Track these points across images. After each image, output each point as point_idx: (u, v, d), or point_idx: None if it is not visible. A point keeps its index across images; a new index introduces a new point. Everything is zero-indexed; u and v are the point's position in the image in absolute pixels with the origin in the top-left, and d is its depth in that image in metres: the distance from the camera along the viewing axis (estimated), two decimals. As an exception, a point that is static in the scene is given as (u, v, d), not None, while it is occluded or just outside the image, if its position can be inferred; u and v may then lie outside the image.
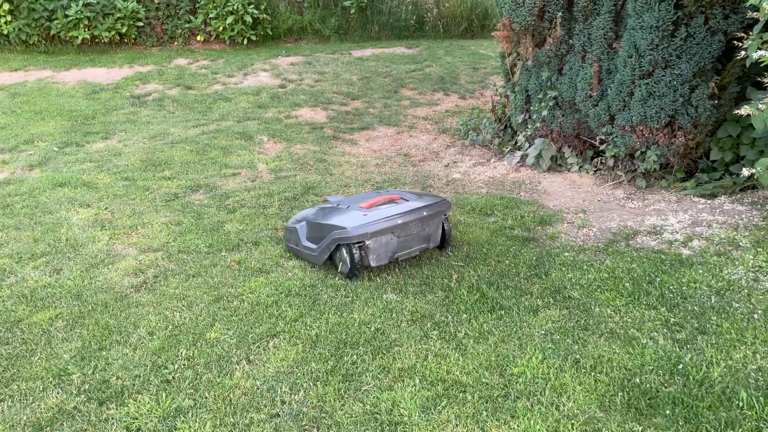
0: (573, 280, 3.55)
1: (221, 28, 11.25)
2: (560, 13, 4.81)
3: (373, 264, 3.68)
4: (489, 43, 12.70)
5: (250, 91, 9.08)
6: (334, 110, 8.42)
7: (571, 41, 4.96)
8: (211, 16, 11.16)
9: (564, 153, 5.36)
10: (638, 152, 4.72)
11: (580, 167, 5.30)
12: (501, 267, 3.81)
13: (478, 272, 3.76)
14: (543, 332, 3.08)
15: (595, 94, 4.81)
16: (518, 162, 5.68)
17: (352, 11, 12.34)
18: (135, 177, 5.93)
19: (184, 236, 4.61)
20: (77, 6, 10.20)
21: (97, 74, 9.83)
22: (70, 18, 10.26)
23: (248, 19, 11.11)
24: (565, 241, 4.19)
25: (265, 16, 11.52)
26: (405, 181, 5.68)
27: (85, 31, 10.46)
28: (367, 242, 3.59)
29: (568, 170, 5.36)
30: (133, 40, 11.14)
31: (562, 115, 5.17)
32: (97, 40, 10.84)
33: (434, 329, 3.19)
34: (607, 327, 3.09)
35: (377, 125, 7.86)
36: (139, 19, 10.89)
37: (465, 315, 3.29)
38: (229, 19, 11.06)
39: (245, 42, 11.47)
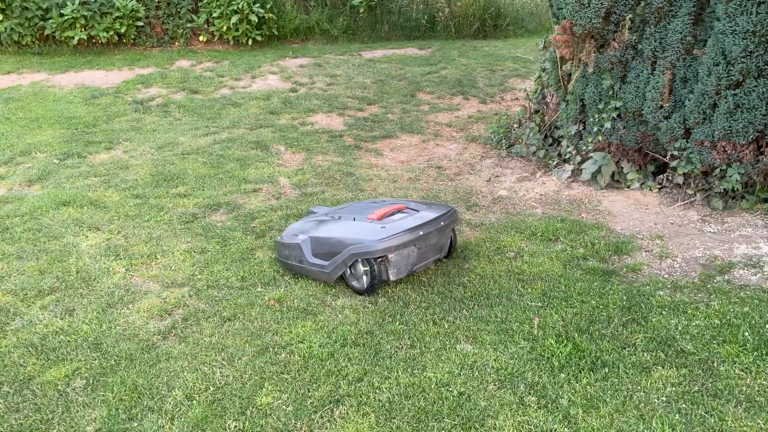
0: (680, 328, 3.06)
1: (225, 28, 10.68)
2: (630, 15, 4.32)
3: (392, 278, 3.53)
4: (503, 44, 12.24)
5: (260, 96, 8.54)
6: (351, 116, 7.90)
7: (639, 46, 4.47)
8: (214, 15, 10.59)
9: (622, 168, 4.88)
10: (717, 170, 4.24)
11: (642, 184, 4.83)
12: (587, 309, 3.32)
13: (562, 315, 3.26)
14: (664, 399, 2.60)
15: (667, 104, 4.34)
16: (569, 177, 5.20)
17: (361, 10, 11.81)
18: (146, 194, 5.39)
19: (210, 267, 4.08)
20: (73, 4, 9.60)
21: (95, 77, 9.24)
22: (66, 17, 9.65)
23: (253, 18, 10.55)
24: (649, 274, 3.71)
25: (270, 15, 10.96)
26: (446, 198, 5.18)
27: (81, 31, 9.86)
28: (390, 256, 3.41)
29: (628, 187, 4.88)
30: (132, 41, 10.54)
31: (624, 127, 4.69)
32: (94, 41, 10.24)
33: (530, 393, 2.69)
34: (742, 393, 2.61)
35: (400, 133, 7.36)
36: (139, 19, 10.30)
37: (562, 374, 2.79)
38: (234, 19, 10.50)
39: (250, 42, 10.91)
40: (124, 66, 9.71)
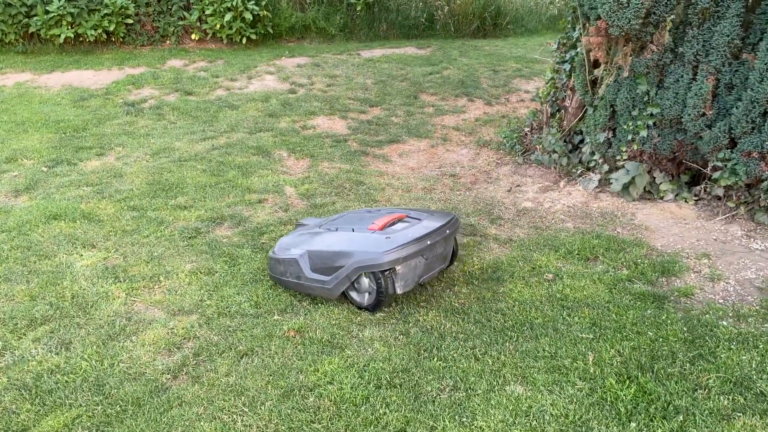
0: (754, 366, 2.77)
1: (218, 26, 10.27)
2: (671, 16, 4.02)
3: (399, 291, 3.34)
4: (504, 43, 11.95)
5: (257, 97, 8.16)
6: (354, 119, 7.56)
7: (679, 49, 4.18)
8: (207, 12, 10.17)
9: (654, 178, 4.59)
10: (765, 182, 3.96)
11: (677, 195, 4.54)
12: (645, 342, 3.01)
13: (619, 350, 2.96)
14: (754, 455, 2.30)
15: (710, 112, 4.05)
16: (596, 187, 4.90)
17: (359, 8, 11.45)
18: (144, 205, 5.01)
19: (220, 291, 3.73)
20: (59, 1, 9.13)
21: (83, 77, 8.80)
22: (52, 14, 9.19)
23: (248, 16, 10.15)
24: (704, 299, 3.42)
25: (265, 13, 10.56)
26: (467, 211, 4.86)
27: (68, 29, 9.40)
28: (397, 268, 3.25)
29: (661, 198, 4.59)
30: (121, 39, 10.10)
31: (659, 135, 4.40)
32: (81, 39, 9.79)
33: (600, 447, 2.38)
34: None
35: (406, 137, 7.03)
36: (128, 16, 9.86)
37: (632, 423, 2.49)
38: (228, 16, 10.09)
39: (244, 41, 10.51)
40: (113, 66, 9.28)
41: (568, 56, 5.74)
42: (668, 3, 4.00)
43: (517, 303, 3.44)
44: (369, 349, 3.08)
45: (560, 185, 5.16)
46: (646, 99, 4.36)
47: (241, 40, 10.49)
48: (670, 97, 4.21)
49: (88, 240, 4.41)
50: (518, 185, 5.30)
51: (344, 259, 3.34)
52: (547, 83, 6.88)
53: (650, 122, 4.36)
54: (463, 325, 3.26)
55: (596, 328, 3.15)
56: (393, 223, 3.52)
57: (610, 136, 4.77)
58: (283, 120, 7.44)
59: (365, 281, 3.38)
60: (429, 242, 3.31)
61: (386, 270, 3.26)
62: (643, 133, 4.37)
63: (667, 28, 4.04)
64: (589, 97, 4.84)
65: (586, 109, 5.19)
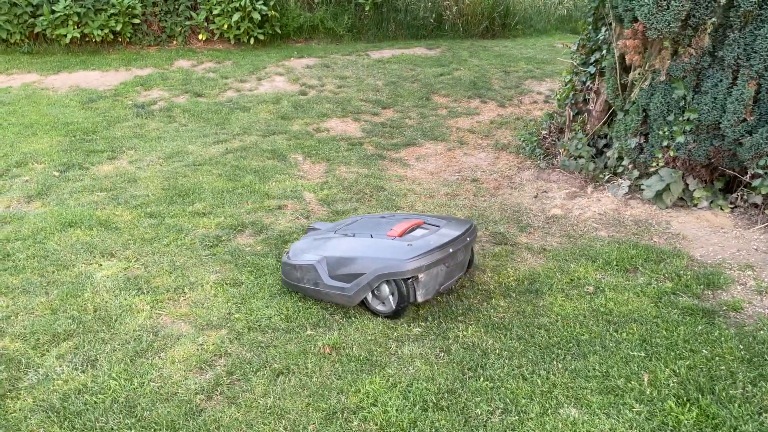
0: (821, 388, 2.65)
1: (226, 26, 10.13)
2: (712, 19, 3.90)
3: (420, 299, 3.29)
4: (513, 44, 11.83)
5: (268, 99, 8.03)
6: (367, 121, 7.43)
7: (718, 53, 4.06)
8: (214, 12, 10.03)
9: (687, 185, 4.47)
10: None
11: (711, 203, 4.42)
12: (701, 361, 2.89)
13: (674, 369, 2.83)
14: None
15: (751, 118, 3.93)
16: (626, 194, 4.78)
17: (367, 8, 11.32)
18: (161, 212, 4.87)
19: (248, 303, 3.60)
20: (66, 1, 8.98)
21: (90, 78, 8.65)
22: (58, 14, 9.04)
23: (256, 16, 10.01)
24: (755, 314, 3.30)
25: (273, 13, 10.42)
26: (494, 218, 4.73)
27: (74, 29, 9.25)
28: (420, 276, 3.21)
29: (695, 206, 4.47)
30: (127, 39, 9.95)
31: (694, 141, 4.28)
32: (87, 39, 9.64)
33: (667, 477, 2.26)
34: None
35: (422, 140, 6.91)
36: (135, 16, 9.71)
37: (700, 450, 2.36)
38: (235, 16, 9.94)
39: (251, 41, 10.37)
40: (120, 66, 9.13)
41: (592, 58, 5.62)
42: (709, 5, 3.88)
43: (559, 318, 3.32)
44: (410, 368, 2.96)
45: (587, 191, 5.04)
46: (682, 104, 4.24)
47: (248, 40, 10.35)
48: (707, 102, 4.09)
49: (107, 249, 4.28)
50: (544, 191, 5.18)
51: (365, 266, 3.27)
52: (565, 85, 6.76)
53: (687, 128, 4.23)
54: (505, 341, 3.14)
55: (647, 345, 3.02)
56: (412, 230, 3.47)
57: (641, 141, 4.65)
58: (295, 122, 7.31)
59: (386, 289, 3.31)
60: (451, 250, 3.26)
61: (409, 278, 3.21)
62: (680, 138, 4.25)
63: (707, 31, 3.92)
64: (620, 101, 4.72)
65: (615, 113, 5.08)
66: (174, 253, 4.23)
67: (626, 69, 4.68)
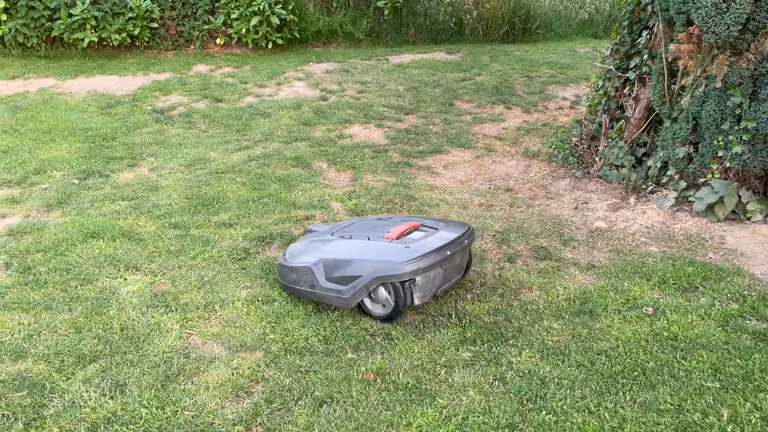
0: None
1: (244, 30, 9.97)
2: (775, 23, 3.68)
3: (417, 302, 3.29)
4: (534, 49, 11.62)
5: (289, 105, 7.85)
6: (391, 128, 7.23)
7: (779, 59, 3.83)
8: (233, 16, 9.88)
9: (740, 197, 4.23)
10: None
11: (766, 216, 4.18)
12: (783, 393, 2.66)
13: (755, 403, 2.61)
14: None
15: (814, 128, 3.70)
16: (672, 206, 4.55)
17: (386, 12, 11.14)
18: (186, 222, 4.69)
19: (282, 323, 3.39)
20: (83, 4, 8.85)
21: (108, 83, 8.51)
22: (75, 18, 8.91)
23: (275, 20, 9.84)
24: (832, 340, 3.06)
25: (292, 17, 10.26)
26: (534, 231, 4.51)
27: (91, 33, 9.12)
28: (417, 278, 3.19)
29: (748, 219, 4.24)
30: (145, 44, 9.81)
31: (750, 151, 4.05)
32: (104, 44, 9.50)
33: None
34: None
35: (448, 148, 6.70)
36: (153, 20, 9.57)
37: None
38: (254, 21, 9.78)
39: (269, 46, 10.21)
40: (138, 71, 8.99)
41: (632, 63, 5.40)
42: (772, 8, 3.66)
43: (620, 342, 3.09)
44: (463, 398, 2.74)
45: (630, 202, 4.81)
46: (738, 112, 4.01)
47: (266, 44, 10.19)
48: (767, 110, 3.86)
49: (131, 262, 4.09)
50: (584, 202, 4.95)
51: (362, 268, 3.26)
52: (597, 91, 6.54)
53: (744, 137, 4.00)
54: (564, 368, 2.92)
55: (720, 375, 2.79)
56: (409, 232, 3.45)
57: (690, 150, 4.42)
58: (317, 129, 7.12)
59: (383, 291, 3.29)
60: (449, 252, 3.25)
61: (406, 280, 3.19)
62: (737, 148, 4.02)
63: (769, 35, 3.70)
64: (667, 108, 4.49)
65: (654, 121, 4.86)
66: (201, 266, 4.04)
67: (672, 74, 4.46)
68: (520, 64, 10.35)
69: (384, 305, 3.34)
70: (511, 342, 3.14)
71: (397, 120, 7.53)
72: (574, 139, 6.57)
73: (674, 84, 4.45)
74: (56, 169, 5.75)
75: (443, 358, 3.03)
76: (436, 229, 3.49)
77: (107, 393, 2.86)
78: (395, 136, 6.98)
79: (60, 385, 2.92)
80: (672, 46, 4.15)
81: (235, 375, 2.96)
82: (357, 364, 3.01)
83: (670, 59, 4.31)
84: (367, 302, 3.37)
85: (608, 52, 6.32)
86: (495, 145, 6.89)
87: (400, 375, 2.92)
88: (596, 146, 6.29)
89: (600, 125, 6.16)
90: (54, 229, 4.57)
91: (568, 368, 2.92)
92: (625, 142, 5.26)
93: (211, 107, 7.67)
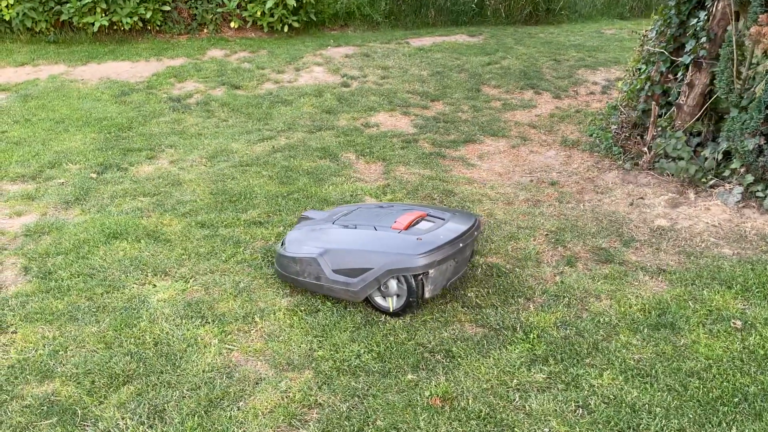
0: None
1: (259, 13, 9.59)
2: None
3: (428, 295, 3.21)
4: (559, 31, 11.21)
5: (309, 92, 7.50)
6: (418, 115, 6.89)
7: None
8: (247, -2, 9.50)
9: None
10: None
11: None
12: None
13: None
14: None
15: None
16: (738, 202, 4.21)
17: (405, -7, 10.72)
18: (213, 221, 4.39)
19: (330, 336, 3.10)
20: (93, -14, 8.48)
21: (120, 69, 8.17)
22: (85, 1, 8.55)
23: (291, 2, 9.44)
24: None
25: (309, -1, 9.86)
26: (590, 230, 4.19)
27: (102, 17, 8.76)
28: (430, 271, 3.12)
29: (825, 218, 3.91)
30: (157, 28, 9.45)
31: (830, 145, 3.71)
32: (115, 28, 9.15)
33: None
34: None
35: (481, 136, 6.36)
36: (165, 3, 9.20)
37: None
38: (269, 3, 9.39)
39: (285, 29, 9.83)
40: (151, 56, 8.64)
41: (687, 47, 5.03)
42: None
43: (711, 362, 2.78)
44: (546, 430, 2.44)
45: (689, 197, 4.47)
46: (821, 102, 3.67)
47: (282, 28, 9.81)
48: None
49: (159, 266, 3.80)
50: (640, 197, 4.62)
51: (372, 260, 3.15)
52: (639, 75, 6.18)
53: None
54: (653, 393, 2.61)
55: None
56: (417, 222, 3.35)
57: (762, 142, 4.08)
58: (341, 117, 6.78)
59: (393, 285, 3.18)
60: (461, 245, 3.20)
61: (419, 274, 3.10)
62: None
63: None
64: (735, 96, 4.14)
65: (714, 109, 4.50)
66: (235, 271, 3.74)
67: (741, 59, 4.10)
68: (546, 47, 9.96)
69: (395, 299, 3.22)
70: (587, 361, 2.84)
71: (423, 107, 7.18)
72: (613, 127, 6.22)
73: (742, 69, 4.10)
74: (72, 162, 5.45)
75: (515, 381, 2.73)
76: (443, 219, 3.39)
77: (145, 421, 2.57)
78: (423, 124, 6.64)
79: (92, 411, 2.64)
80: (753, 29, 3.79)
81: (286, 399, 2.67)
82: (419, 387, 2.72)
83: (739, 43, 3.96)
84: (375, 296, 3.25)
85: (653, 34, 5.94)
86: (530, 133, 6.54)
87: (470, 401, 2.62)
88: (639, 134, 5.94)
89: (644, 112, 5.80)
90: (74, 228, 4.27)
91: (658, 393, 2.61)
92: (674, 131, 4.90)
93: (229, 95, 7.33)
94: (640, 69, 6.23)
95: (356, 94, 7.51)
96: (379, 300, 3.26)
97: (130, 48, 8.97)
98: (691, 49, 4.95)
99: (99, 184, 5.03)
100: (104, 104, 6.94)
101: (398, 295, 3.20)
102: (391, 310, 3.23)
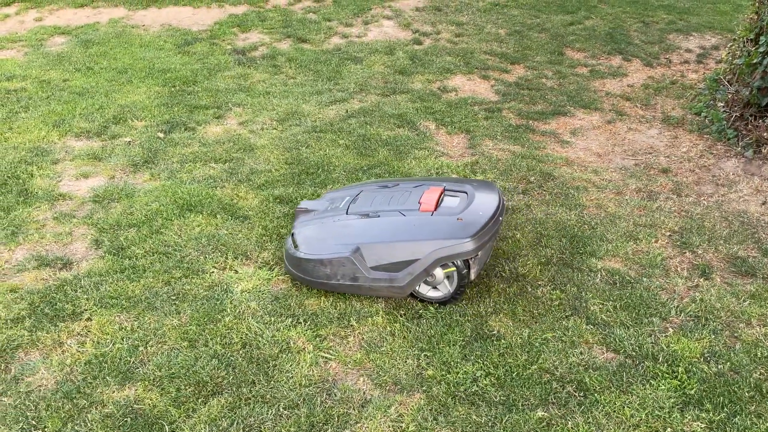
0: None
1: (325, -42, 8.93)
2: None
3: (473, 277, 3.03)
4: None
5: (380, 49, 6.96)
6: (498, 80, 6.32)
7: None
8: (314, -59, 8.83)
9: None
10: None
11: None
12: None
13: None
14: None
15: None
16: None
17: (480, -59, 9.87)
18: (292, 196, 4.02)
19: (439, 351, 2.72)
20: (155, -76, 7.96)
21: (181, 15, 7.74)
22: (146, -61, 8.05)
23: (359, -53, 8.76)
24: None
25: (378, -56, 9.13)
26: (720, 233, 3.68)
27: (163, -43, 8.25)
28: (479, 252, 2.94)
29: None
30: (218, -30, 8.90)
31: None
32: (176, -31, 8.63)
33: None
34: None
35: (571, 108, 5.79)
36: (228, -56, 8.61)
37: None
38: (337, -53, 8.72)
39: (351, -24, 9.16)
40: (212, 2, 8.19)
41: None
42: None
43: None
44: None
45: (833, 200, 3.90)
46: None
47: (348, -25, 9.15)
48: None
49: (239, 247, 3.45)
50: (771, 195, 4.06)
51: (416, 250, 2.90)
52: (759, 47, 5.47)
53: None
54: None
55: None
56: (441, 201, 3.12)
57: None
58: (416, 79, 6.26)
59: (440, 272, 2.99)
60: (500, 219, 3.08)
61: (472, 257, 2.93)
62: None
63: None
64: None
65: None
66: (322, 260, 3.37)
67: None
68: (633, 7, 9.13)
69: (442, 287, 3.03)
70: (751, 408, 2.40)
71: (503, 71, 6.60)
72: (720, 105, 5.58)
73: None
74: (137, 118, 5.11)
75: (668, 429, 2.31)
76: (466, 192, 3.18)
77: (241, 447, 2.26)
78: (506, 91, 6.08)
79: (181, 427, 2.34)
80: None
81: (397, 429, 2.32)
82: (552, 428, 2.33)
83: None
84: (420, 287, 3.03)
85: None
86: (624, 106, 5.94)
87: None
88: (752, 115, 5.30)
89: (759, 90, 5.15)
90: (144, 197, 3.96)
91: None
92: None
93: (295, 48, 6.86)
94: (752, 39, 5.53)
95: (430, 53, 6.95)
96: (424, 291, 3.04)
97: (190, -8, 8.49)
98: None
99: (167, 146, 4.69)
100: (167, 54, 6.55)
101: (447, 284, 3.02)
102: (439, 300, 3.03)
